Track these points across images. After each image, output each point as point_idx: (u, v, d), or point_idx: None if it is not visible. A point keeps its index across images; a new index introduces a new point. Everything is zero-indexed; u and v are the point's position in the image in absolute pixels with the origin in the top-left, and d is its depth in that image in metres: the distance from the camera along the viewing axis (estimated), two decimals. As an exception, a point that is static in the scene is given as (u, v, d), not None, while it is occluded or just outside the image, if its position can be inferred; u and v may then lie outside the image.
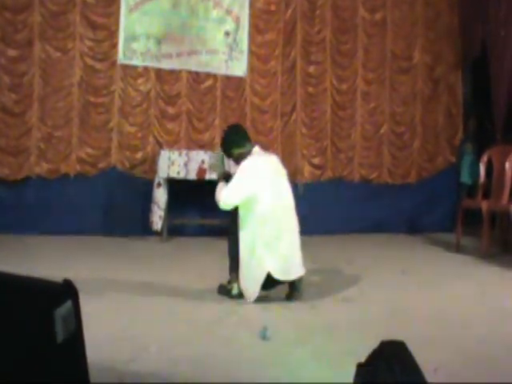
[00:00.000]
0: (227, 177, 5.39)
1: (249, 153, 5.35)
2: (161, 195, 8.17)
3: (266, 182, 5.19)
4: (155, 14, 8.66)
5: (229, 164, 5.95)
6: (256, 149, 5.39)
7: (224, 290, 5.33)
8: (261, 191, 5.14)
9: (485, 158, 8.25)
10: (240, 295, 5.21)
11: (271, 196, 5.18)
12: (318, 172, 9.40)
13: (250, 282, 5.18)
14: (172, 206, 8.33)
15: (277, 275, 5.11)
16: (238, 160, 5.36)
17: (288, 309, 5.01)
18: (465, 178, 9.76)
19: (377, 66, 9.71)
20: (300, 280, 5.28)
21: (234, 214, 5.31)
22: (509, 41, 8.88)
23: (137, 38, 8.61)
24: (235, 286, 5.26)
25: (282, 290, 5.27)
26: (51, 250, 7.33)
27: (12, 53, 8.19)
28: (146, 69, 8.73)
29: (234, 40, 8.91)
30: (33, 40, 8.24)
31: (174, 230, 8.46)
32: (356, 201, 9.53)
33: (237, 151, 5.38)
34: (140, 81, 8.72)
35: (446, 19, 10.01)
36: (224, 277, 5.33)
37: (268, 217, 5.15)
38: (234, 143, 5.40)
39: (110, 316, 4.59)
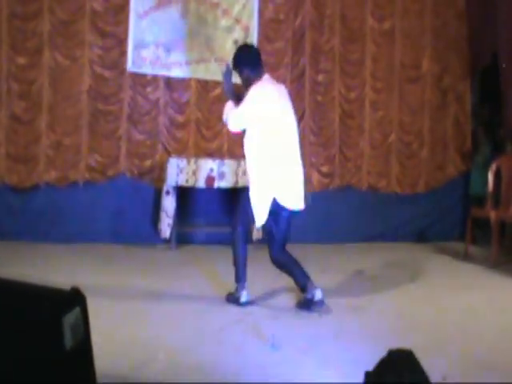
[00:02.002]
0: (233, 94, 5.37)
1: (258, 78, 5.31)
2: (169, 203, 8.16)
3: (275, 107, 5.20)
4: (164, 22, 8.66)
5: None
6: (266, 76, 5.36)
7: (232, 298, 5.32)
8: (269, 117, 5.16)
9: (494, 168, 8.23)
10: (249, 303, 5.20)
11: (279, 122, 5.21)
12: (326, 180, 9.37)
13: (260, 205, 5.21)
14: (181, 213, 8.31)
15: (281, 201, 5.17)
16: (247, 82, 5.34)
17: (297, 317, 5.02)
18: (475, 189, 9.69)
19: (385, 75, 9.67)
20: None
21: (235, 211, 5.47)
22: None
23: (146, 46, 8.61)
24: (243, 293, 5.27)
25: (291, 298, 5.25)
26: (60, 257, 7.34)
27: (21, 60, 8.20)
28: (154, 77, 8.72)
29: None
30: (42, 48, 8.25)
31: (182, 238, 8.45)
32: (364, 209, 9.49)
33: (247, 71, 5.34)
34: (149, 89, 8.72)
35: (454, 28, 9.97)
36: (232, 284, 5.32)
37: (274, 142, 5.18)
38: (247, 61, 5.36)
39: (118, 323, 4.62)
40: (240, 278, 5.34)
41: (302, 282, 5.27)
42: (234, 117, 5.25)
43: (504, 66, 9.02)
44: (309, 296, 5.22)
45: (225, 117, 5.37)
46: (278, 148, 5.21)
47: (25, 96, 8.23)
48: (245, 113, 5.21)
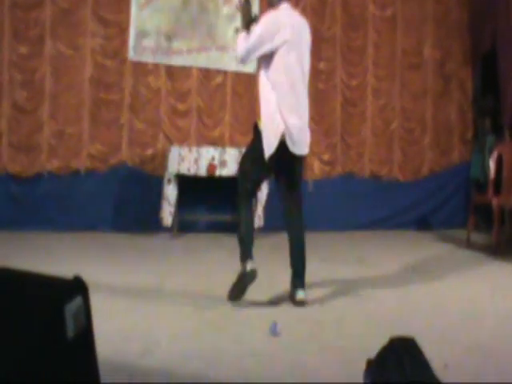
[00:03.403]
0: (249, 28, 5.04)
1: (277, 4, 5.05)
2: (171, 191, 8.19)
3: (286, 38, 4.91)
4: (166, 10, 8.66)
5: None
6: (285, 4, 5.06)
7: (238, 279, 4.92)
8: (279, 49, 4.90)
9: (495, 155, 8.24)
10: (254, 272, 4.88)
11: (288, 57, 4.94)
12: (327, 168, 9.39)
13: (270, 137, 4.96)
14: (182, 202, 8.33)
15: (291, 145, 4.96)
16: (269, 7, 5.12)
17: (297, 304, 5.00)
18: (475, 173, 9.72)
19: (387, 63, 9.68)
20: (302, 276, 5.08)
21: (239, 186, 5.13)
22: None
23: (147, 34, 8.62)
24: (249, 262, 4.90)
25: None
26: (62, 246, 7.37)
27: (23, 50, 8.23)
28: (156, 65, 8.73)
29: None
30: (44, 37, 8.27)
31: (184, 226, 8.47)
32: (366, 197, 9.50)
33: None
34: (150, 77, 8.73)
35: (456, 15, 9.98)
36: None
37: (283, 80, 4.94)
38: None
39: (120, 312, 4.62)
40: (245, 255, 4.96)
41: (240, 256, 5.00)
42: (243, 43, 4.95)
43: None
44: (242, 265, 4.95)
45: (237, 48, 5.02)
46: (290, 82, 4.98)
47: (27, 85, 8.26)
48: (256, 40, 4.90)
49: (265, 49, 4.91)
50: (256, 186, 5.44)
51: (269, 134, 4.95)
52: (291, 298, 5.04)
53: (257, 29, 4.92)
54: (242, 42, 4.96)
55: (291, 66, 4.97)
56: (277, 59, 4.93)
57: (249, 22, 5.05)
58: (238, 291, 4.89)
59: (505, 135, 9.10)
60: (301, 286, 5.02)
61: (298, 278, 5.05)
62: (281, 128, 4.92)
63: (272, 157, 4.93)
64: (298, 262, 5.10)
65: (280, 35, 4.90)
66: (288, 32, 4.93)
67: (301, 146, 5.06)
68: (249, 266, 4.87)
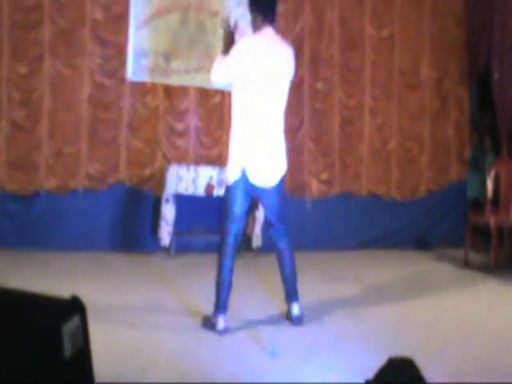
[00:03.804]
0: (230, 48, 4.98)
1: (261, 28, 4.99)
2: (169, 211, 8.19)
3: (259, 66, 4.84)
4: (164, 30, 8.70)
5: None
6: (268, 30, 5.00)
7: (209, 323, 4.84)
8: (251, 74, 4.85)
9: (492, 173, 8.26)
10: (226, 331, 4.73)
11: (261, 83, 4.88)
12: (325, 187, 9.40)
13: (231, 166, 4.97)
14: (180, 221, 8.31)
15: (250, 176, 4.88)
16: (253, 30, 5.02)
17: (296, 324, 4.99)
18: (473, 192, 9.75)
19: (385, 82, 9.73)
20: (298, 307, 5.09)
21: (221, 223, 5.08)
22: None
23: (146, 54, 8.64)
24: (221, 319, 4.78)
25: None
26: (59, 265, 7.34)
27: (22, 69, 8.21)
28: (154, 85, 8.75)
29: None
30: (43, 56, 8.27)
31: (182, 246, 8.45)
32: (364, 216, 9.51)
33: (255, 13, 5.02)
34: (148, 97, 8.74)
35: (452, 34, 10.05)
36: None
37: (254, 105, 4.88)
38: (260, 7, 5.02)
39: (117, 331, 4.63)
40: (220, 305, 4.82)
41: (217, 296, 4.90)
42: (216, 65, 4.96)
43: (496, 76, 9.09)
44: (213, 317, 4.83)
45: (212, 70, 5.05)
46: (256, 112, 4.90)
47: (25, 104, 8.25)
48: (227, 63, 4.88)
49: (233, 73, 4.90)
50: (243, 225, 5.22)
51: (231, 164, 4.99)
52: (288, 316, 5.08)
53: (230, 54, 4.90)
54: (216, 64, 5.00)
55: (257, 96, 4.90)
56: (244, 87, 4.91)
57: (229, 45, 5.00)
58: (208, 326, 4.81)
59: (502, 153, 9.12)
60: (296, 299, 5.08)
61: (294, 293, 5.10)
62: (241, 162, 4.90)
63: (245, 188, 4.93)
64: (292, 279, 5.15)
65: (247, 63, 4.85)
66: (257, 61, 4.86)
67: (265, 178, 4.98)
68: (220, 325, 4.73)
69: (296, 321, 5.03)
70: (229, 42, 5.03)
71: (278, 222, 5.19)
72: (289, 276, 5.15)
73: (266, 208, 5.36)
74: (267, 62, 4.90)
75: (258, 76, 4.87)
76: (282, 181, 5.15)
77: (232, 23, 5.16)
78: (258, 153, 4.92)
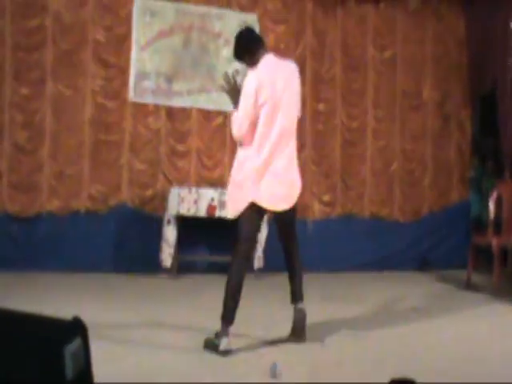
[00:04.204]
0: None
1: (260, 57, 4.93)
2: (170, 232, 8.21)
3: (269, 96, 4.81)
4: (166, 51, 8.77)
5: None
6: (268, 56, 4.98)
7: (211, 345, 4.75)
8: (263, 105, 4.80)
9: (495, 195, 8.28)
10: (228, 352, 4.66)
11: (271, 111, 4.83)
12: (327, 209, 9.45)
13: (232, 202, 4.99)
14: (182, 243, 8.34)
15: (263, 204, 4.86)
16: (251, 65, 4.96)
17: (298, 346, 4.99)
18: (476, 211, 9.80)
19: (387, 104, 9.80)
20: (303, 321, 5.08)
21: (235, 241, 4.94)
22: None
23: (148, 75, 8.71)
24: (224, 340, 4.68)
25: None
26: (62, 286, 7.36)
27: (25, 91, 8.28)
28: (156, 106, 8.81)
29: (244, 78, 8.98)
30: (45, 78, 8.34)
31: (183, 267, 8.46)
32: (366, 237, 9.55)
33: (248, 58, 4.99)
34: (150, 118, 8.80)
35: (455, 56, 10.14)
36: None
37: (264, 131, 4.83)
38: (243, 51, 5.02)
39: (119, 352, 4.61)
40: (226, 315, 4.78)
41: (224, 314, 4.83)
42: (234, 120, 4.91)
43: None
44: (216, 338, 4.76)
45: (232, 130, 4.98)
46: (267, 137, 4.86)
47: (28, 126, 8.31)
48: (242, 112, 4.83)
49: (252, 116, 4.81)
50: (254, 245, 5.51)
51: (236, 199, 4.94)
52: (291, 336, 5.08)
53: (241, 104, 4.84)
54: (233, 119, 4.93)
55: (272, 125, 4.87)
56: (259, 120, 4.85)
57: (238, 98, 4.94)
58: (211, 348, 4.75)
59: (504, 176, 9.14)
60: (301, 298, 5.13)
61: (299, 291, 5.15)
62: (249, 197, 4.85)
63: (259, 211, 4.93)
64: (299, 279, 5.18)
65: (260, 99, 4.80)
66: (268, 92, 4.83)
67: (276, 203, 4.96)
68: (222, 345, 4.65)
69: (298, 312, 5.08)
70: (237, 96, 4.96)
71: (290, 240, 5.20)
72: (296, 273, 5.18)
73: (280, 227, 5.26)
74: (276, 88, 4.87)
75: (271, 102, 4.84)
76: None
77: (237, 79, 5.09)
78: (273, 179, 4.90)
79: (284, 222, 5.17)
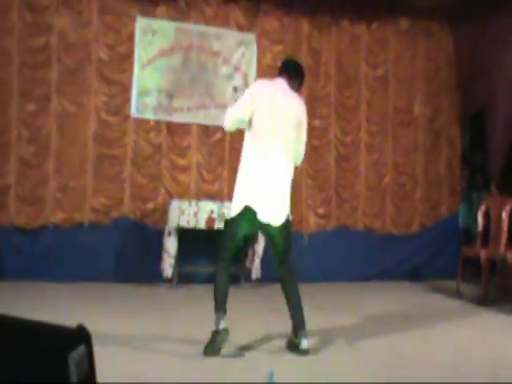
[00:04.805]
0: None
1: (278, 76, 5.33)
2: (171, 244, 8.39)
3: (265, 110, 5.05)
4: (166, 70, 8.98)
5: None
6: (279, 80, 5.27)
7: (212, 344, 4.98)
8: (257, 114, 5.05)
9: (483, 208, 8.50)
10: (227, 331, 4.93)
11: (261, 125, 5.06)
12: (322, 222, 9.64)
13: (235, 202, 5.16)
14: (182, 254, 8.50)
15: (258, 214, 5.03)
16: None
17: (294, 356, 5.07)
18: (464, 223, 10.01)
19: (379, 120, 10.00)
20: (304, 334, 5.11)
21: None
22: (504, 95, 9.20)
23: (149, 92, 8.91)
24: (221, 321, 4.97)
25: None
26: (66, 296, 7.48)
27: (31, 107, 8.47)
28: (157, 122, 8.99)
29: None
30: (50, 95, 8.54)
31: (184, 278, 8.63)
32: (360, 249, 9.71)
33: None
34: (152, 134, 8.98)
35: (445, 74, 10.33)
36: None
37: (258, 144, 5.07)
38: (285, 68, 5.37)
39: (122, 361, 4.70)
40: (218, 306, 5.04)
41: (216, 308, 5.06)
42: (228, 111, 5.22)
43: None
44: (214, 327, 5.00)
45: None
46: (259, 150, 5.08)
47: (34, 141, 8.48)
48: (237, 105, 5.16)
49: (243, 112, 5.09)
50: (237, 249, 5.46)
51: (235, 199, 5.18)
52: (290, 347, 5.16)
53: (240, 97, 5.26)
54: (226, 114, 5.24)
55: (264, 138, 5.07)
56: (253, 129, 5.11)
57: None
58: (212, 352, 4.93)
59: (492, 190, 9.33)
60: (304, 335, 5.10)
61: (301, 328, 5.12)
62: (244, 200, 5.08)
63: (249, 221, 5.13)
64: (299, 312, 5.18)
65: (256, 101, 5.09)
66: (265, 102, 5.09)
67: (268, 216, 5.09)
68: (221, 325, 4.94)
69: (303, 353, 5.07)
70: None
71: (281, 263, 5.29)
72: (295, 306, 5.19)
73: (271, 246, 5.49)
74: (275, 105, 5.10)
75: (265, 118, 5.06)
76: (289, 225, 5.29)
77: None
78: (263, 192, 5.06)
79: (271, 236, 5.31)
